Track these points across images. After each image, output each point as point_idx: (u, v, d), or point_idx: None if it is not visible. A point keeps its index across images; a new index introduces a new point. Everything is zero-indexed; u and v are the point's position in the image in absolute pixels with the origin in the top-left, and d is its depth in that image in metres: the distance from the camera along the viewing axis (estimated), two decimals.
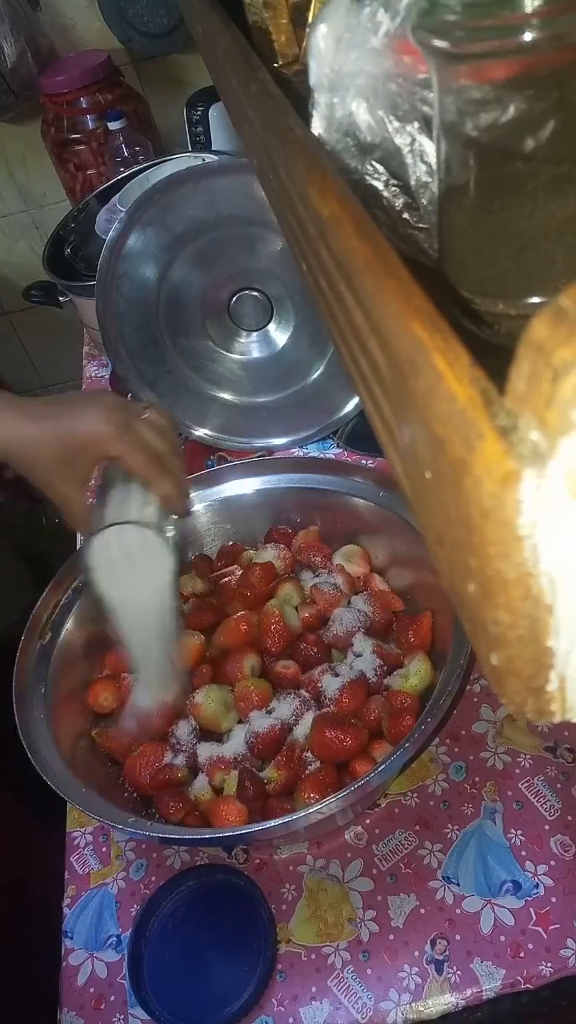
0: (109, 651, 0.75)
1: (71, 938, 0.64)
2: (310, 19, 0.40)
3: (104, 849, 0.69)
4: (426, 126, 0.30)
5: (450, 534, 0.17)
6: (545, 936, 0.59)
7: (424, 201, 0.31)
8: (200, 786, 0.65)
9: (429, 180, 0.30)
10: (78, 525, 0.60)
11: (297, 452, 0.99)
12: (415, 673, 0.67)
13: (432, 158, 0.30)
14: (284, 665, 0.70)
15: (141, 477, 0.57)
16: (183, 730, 0.67)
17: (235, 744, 0.66)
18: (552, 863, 0.62)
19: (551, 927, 0.59)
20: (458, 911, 0.61)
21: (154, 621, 0.60)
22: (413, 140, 0.30)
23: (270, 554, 0.80)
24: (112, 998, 0.61)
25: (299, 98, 0.34)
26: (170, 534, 0.58)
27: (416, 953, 0.59)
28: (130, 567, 0.58)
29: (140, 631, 0.61)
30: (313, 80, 0.33)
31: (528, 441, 0.14)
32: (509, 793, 0.67)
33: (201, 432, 0.99)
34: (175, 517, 0.60)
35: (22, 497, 0.67)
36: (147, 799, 0.66)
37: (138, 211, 0.82)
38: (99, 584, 0.58)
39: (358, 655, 0.70)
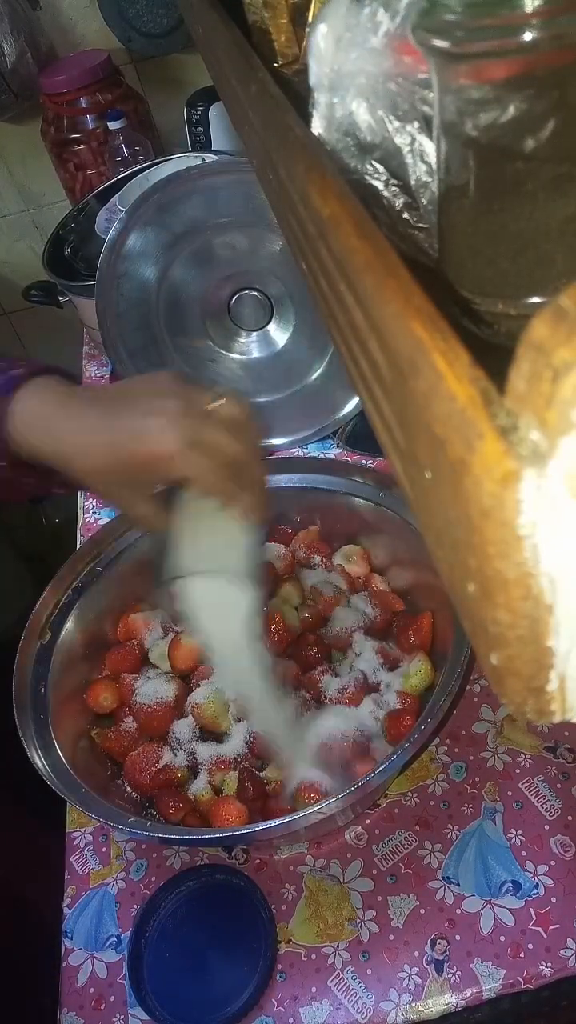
0: (109, 651, 0.75)
1: (71, 938, 0.64)
2: (310, 19, 0.40)
3: (104, 849, 0.69)
4: (426, 126, 0.30)
5: (450, 534, 0.17)
6: (545, 936, 0.59)
7: (424, 201, 0.31)
8: (200, 786, 0.65)
9: (429, 180, 0.30)
10: (143, 528, 0.56)
11: (297, 452, 0.99)
12: (415, 673, 0.67)
13: (432, 158, 0.30)
14: (284, 665, 0.70)
15: (215, 497, 0.50)
16: (183, 730, 0.67)
17: (235, 744, 0.66)
18: (552, 863, 0.62)
19: (551, 927, 0.59)
20: (458, 911, 0.61)
21: (245, 657, 0.58)
22: (413, 140, 0.30)
23: (270, 554, 0.80)
24: (112, 998, 0.61)
25: (299, 98, 0.34)
26: (252, 574, 0.54)
27: (416, 953, 0.59)
28: (219, 614, 0.56)
29: (236, 670, 0.61)
30: (313, 80, 0.33)
31: (528, 441, 0.14)
32: (509, 793, 0.67)
33: None
34: (256, 530, 0.54)
35: (75, 490, 0.62)
36: (147, 799, 0.66)
37: (138, 211, 0.82)
38: (195, 631, 0.58)
39: (358, 655, 0.70)
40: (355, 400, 0.94)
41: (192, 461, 0.47)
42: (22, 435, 0.48)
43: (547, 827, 0.64)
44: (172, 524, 0.53)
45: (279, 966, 0.60)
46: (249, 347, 0.97)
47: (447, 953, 0.59)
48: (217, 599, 0.56)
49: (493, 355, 0.16)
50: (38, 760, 0.60)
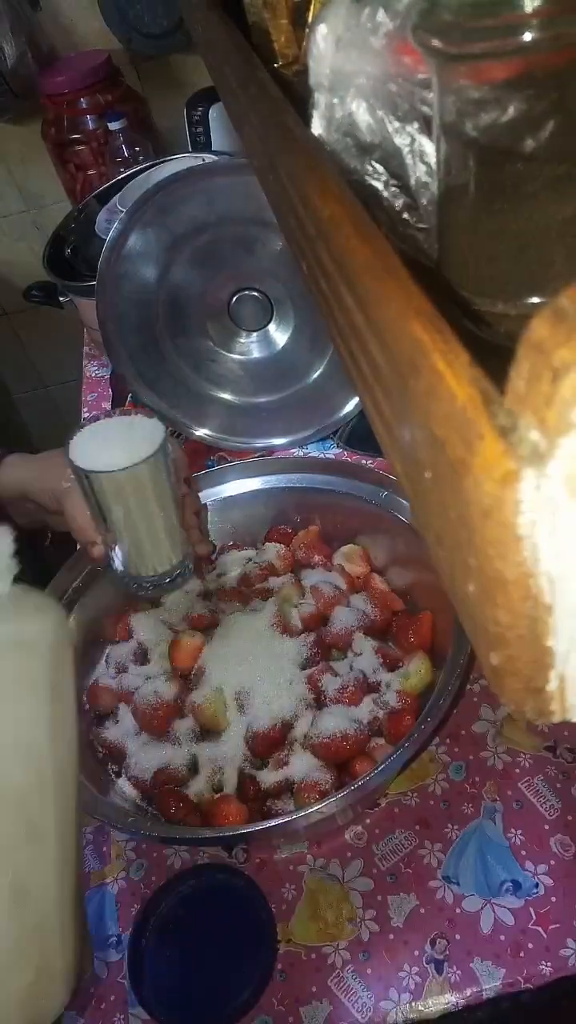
0: (109, 651, 0.75)
1: None
2: (310, 19, 0.40)
3: (104, 849, 0.69)
4: (426, 126, 0.30)
5: (450, 534, 0.17)
6: (545, 936, 0.59)
7: (424, 201, 0.31)
8: (200, 785, 0.65)
9: (429, 180, 0.30)
10: (82, 538, 0.59)
11: (297, 452, 0.99)
12: (415, 673, 0.67)
13: (432, 158, 0.30)
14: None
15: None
16: (183, 729, 0.67)
17: (235, 744, 0.66)
18: (552, 863, 0.62)
19: (551, 927, 0.59)
20: (458, 911, 0.61)
21: (147, 491, 0.54)
22: (413, 140, 0.30)
23: (270, 554, 0.80)
24: (112, 998, 0.61)
25: (299, 98, 0.34)
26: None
27: (416, 953, 0.59)
28: (113, 444, 0.53)
29: (129, 507, 0.55)
30: (313, 80, 0.33)
31: (528, 441, 0.14)
32: (509, 793, 0.67)
33: (201, 432, 0.99)
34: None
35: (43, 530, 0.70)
36: (147, 798, 0.66)
37: (138, 211, 0.82)
38: (76, 462, 0.52)
39: (358, 655, 0.70)
40: (355, 400, 0.94)
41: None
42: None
43: (547, 827, 0.64)
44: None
45: (279, 965, 0.60)
46: (249, 347, 0.97)
47: (447, 952, 0.59)
48: (116, 434, 0.53)
49: (493, 355, 0.16)
50: None
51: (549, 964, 0.58)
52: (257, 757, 0.66)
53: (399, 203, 0.32)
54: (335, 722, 0.63)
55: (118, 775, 0.68)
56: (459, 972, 0.58)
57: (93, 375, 1.23)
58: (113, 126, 1.20)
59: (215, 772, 0.65)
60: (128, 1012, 0.60)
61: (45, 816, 0.34)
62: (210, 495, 0.82)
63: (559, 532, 0.14)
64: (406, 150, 0.31)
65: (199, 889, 0.64)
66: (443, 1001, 0.57)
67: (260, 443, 0.99)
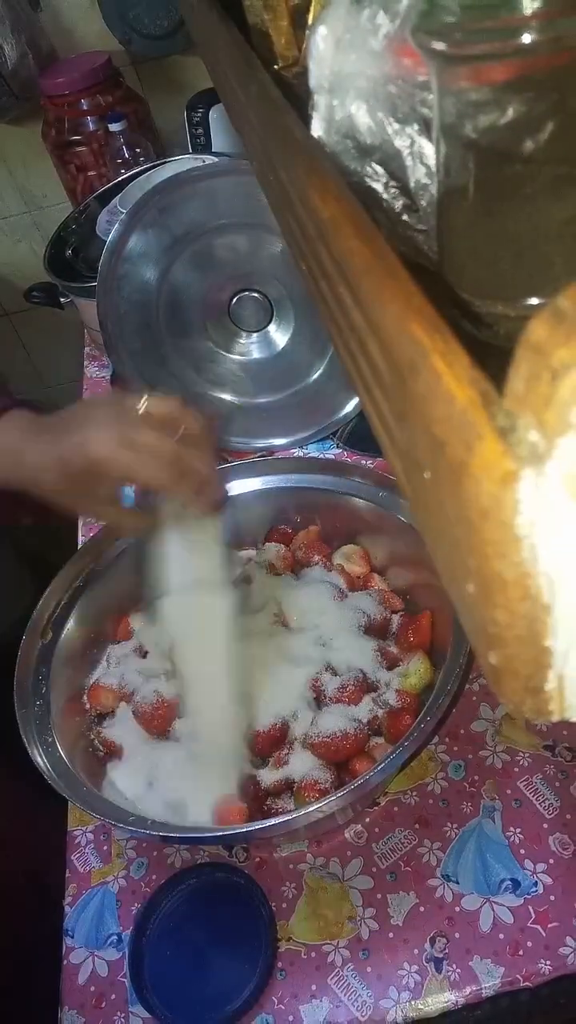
0: (109, 651, 0.75)
1: (72, 936, 0.65)
2: (310, 21, 0.40)
3: (105, 847, 0.69)
4: (426, 128, 0.30)
5: (449, 534, 0.17)
6: (544, 934, 0.59)
7: (424, 203, 0.31)
8: None
9: (429, 182, 0.30)
10: (122, 534, 0.59)
11: (297, 452, 0.99)
12: (414, 672, 0.67)
13: (432, 160, 0.30)
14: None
15: (157, 490, 0.54)
16: (183, 728, 0.67)
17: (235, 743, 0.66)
18: (551, 861, 0.62)
19: (550, 925, 0.59)
20: (457, 909, 0.61)
21: (222, 667, 0.60)
22: (413, 142, 0.30)
23: (270, 554, 0.80)
24: (113, 996, 0.61)
25: (299, 100, 0.34)
26: (226, 579, 0.57)
27: (416, 951, 0.60)
28: (198, 634, 0.58)
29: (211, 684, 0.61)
30: (313, 82, 0.33)
31: (527, 442, 0.14)
32: (508, 791, 0.67)
33: None
34: (214, 521, 0.57)
35: (47, 522, 0.66)
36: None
37: (139, 212, 0.82)
38: (176, 657, 0.59)
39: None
40: (355, 400, 0.94)
41: (127, 459, 0.51)
42: None
43: (546, 825, 0.64)
44: (151, 528, 0.57)
45: (279, 964, 0.61)
46: (249, 348, 0.97)
47: (446, 951, 0.59)
48: (195, 614, 0.58)
49: (492, 356, 0.16)
50: (40, 759, 0.60)
51: (548, 962, 0.58)
52: (257, 756, 0.66)
53: (399, 205, 0.32)
54: (335, 721, 0.64)
55: (118, 775, 0.68)
56: (458, 970, 0.58)
57: (94, 376, 1.23)
58: (113, 127, 1.20)
59: None
60: (128, 1011, 0.60)
61: None
62: None
63: (558, 532, 0.14)
64: (406, 152, 0.31)
65: (199, 888, 0.65)
66: (442, 999, 0.57)
67: (260, 443, 0.99)
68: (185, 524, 0.56)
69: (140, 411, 0.54)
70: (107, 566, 0.75)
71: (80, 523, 0.97)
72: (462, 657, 0.60)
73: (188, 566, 0.56)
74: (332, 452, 0.99)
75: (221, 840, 0.64)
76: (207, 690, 0.62)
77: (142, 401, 0.54)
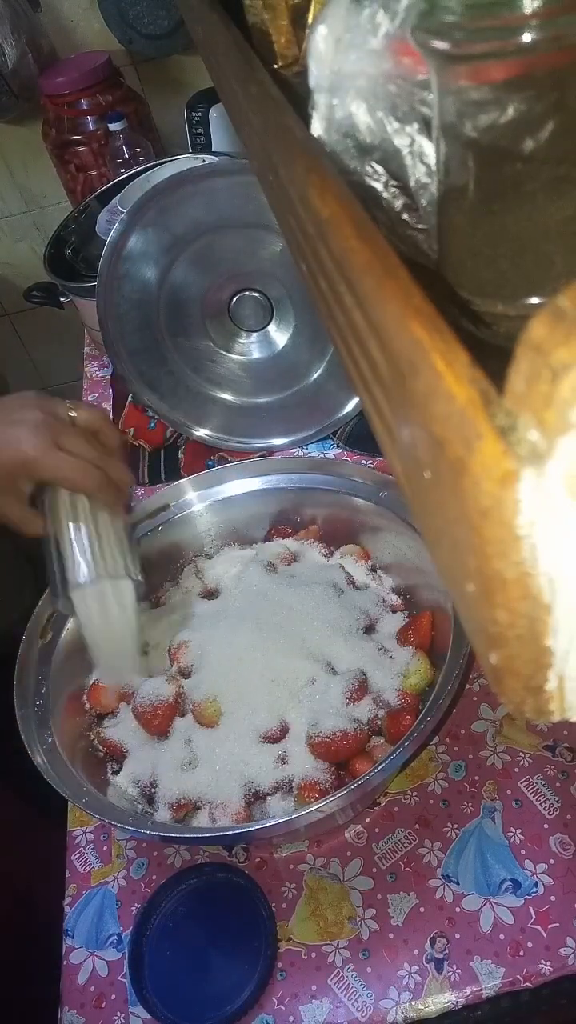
0: None
1: (72, 937, 0.65)
2: (310, 20, 0.40)
3: (105, 848, 0.69)
4: (425, 127, 0.30)
5: (449, 534, 0.17)
6: (544, 935, 0.59)
7: (423, 202, 0.31)
8: None
9: (428, 181, 0.30)
10: (25, 532, 0.61)
11: (297, 452, 0.99)
12: (414, 672, 0.67)
13: (431, 159, 0.30)
14: None
15: (80, 491, 0.58)
16: (183, 728, 0.67)
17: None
18: (551, 862, 0.62)
19: (550, 925, 0.59)
20: (458, 909, 0.61)
21: (127, 649, 0.65)
22: (412, 141, 0.30)
23: (270, 553, 0.80)
24: (113, 997, 0.61)
25: (299, 99, 0.34)
26: (136, 577, 0.61)
27: (416, 951, 0.60)
28: (106, 616, 0.61)
29: (114, 657, 0.66)
30: (313, 81, 0.33)
31: (527, 441, 0.14)
32: (508, 792, 0.67)
33: (201, 432, 0.99)
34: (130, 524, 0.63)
35: None
36: (147, 798, 0.66)
37: (139, 212, 0.82)
38: (85, 634, 0.62)
39: None
40: (355, 400, 0.94)
41: (55, 461, 0.54)
42: None
43: (546, 826, 0.64)
44: (47, 527, 0.60)
45: (279, 964, 0.61)
46: (249, 348, 0.97)
47: (447, 951, 0.59)
48: (106, 604, 0.61)
49: (492, 356, 0.16)
50: (40, 759, 0.60)
51: (549, 963, 0.58)
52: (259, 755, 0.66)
53: (399, 204, 0.32)
54: (335, 721, 0.63)
55: (118, 774, 0.68)
56: (459, 971, 0.58)
57: (94, 375, 1.23)
58: (113, 127, 1.21)
59: None
60: (128, 1011, 0.60)
61: None
62: (210, 495, 0.82)
63: (558, 532, 0.14)
64: (406, 151, 0.31)
65: (199, 888, 0.65)
66: (443, 1000, 0.57)
67: (260, 443, 0.99)
68: (89, 522, 0.60)
69: (71, 417, 0.58)
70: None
71: None
72: (462, 657, 0.60)
73: (95, 561, 0.60)
74: (332, 452, 0.99)
75: (221, 840, 0.64)
76: (117, 667, 0.68)
77: (71, 407, 0.59)
